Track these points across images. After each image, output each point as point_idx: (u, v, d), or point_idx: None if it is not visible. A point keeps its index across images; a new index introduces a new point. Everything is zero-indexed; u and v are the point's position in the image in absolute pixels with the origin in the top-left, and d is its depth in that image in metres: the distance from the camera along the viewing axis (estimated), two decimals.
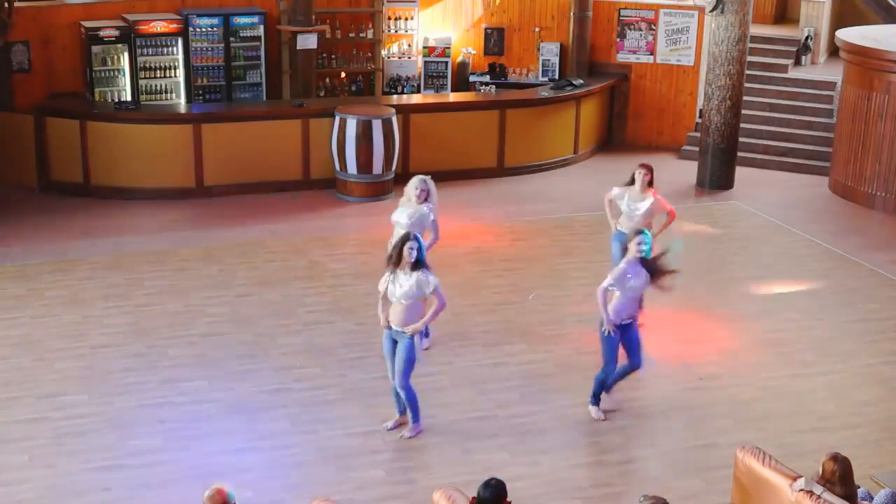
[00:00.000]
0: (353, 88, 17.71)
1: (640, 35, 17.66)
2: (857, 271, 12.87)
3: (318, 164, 15.14)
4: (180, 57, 15.97)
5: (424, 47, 18.01)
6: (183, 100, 16.11)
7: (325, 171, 15.10)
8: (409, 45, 18.13)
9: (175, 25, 15.86)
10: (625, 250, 9.67)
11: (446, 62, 18.00)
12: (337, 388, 9.74)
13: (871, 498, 7.01)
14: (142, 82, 15.81)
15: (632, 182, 10.72)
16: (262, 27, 16.45)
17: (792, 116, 17.29)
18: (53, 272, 12.12)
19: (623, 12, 17.66)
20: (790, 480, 6.92)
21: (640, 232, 9.15)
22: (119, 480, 8.25)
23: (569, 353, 10.51)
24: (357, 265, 12.66)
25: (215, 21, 16.16)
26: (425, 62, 18.02)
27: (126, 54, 15.62)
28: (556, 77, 17.65)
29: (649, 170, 10.70)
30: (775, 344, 10.91)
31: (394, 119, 14.95)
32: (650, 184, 10.68)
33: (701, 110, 16.58)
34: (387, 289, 8.66)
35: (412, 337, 8.68)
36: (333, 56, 17.56)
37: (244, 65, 16.50)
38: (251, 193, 14.87)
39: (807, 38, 18.27)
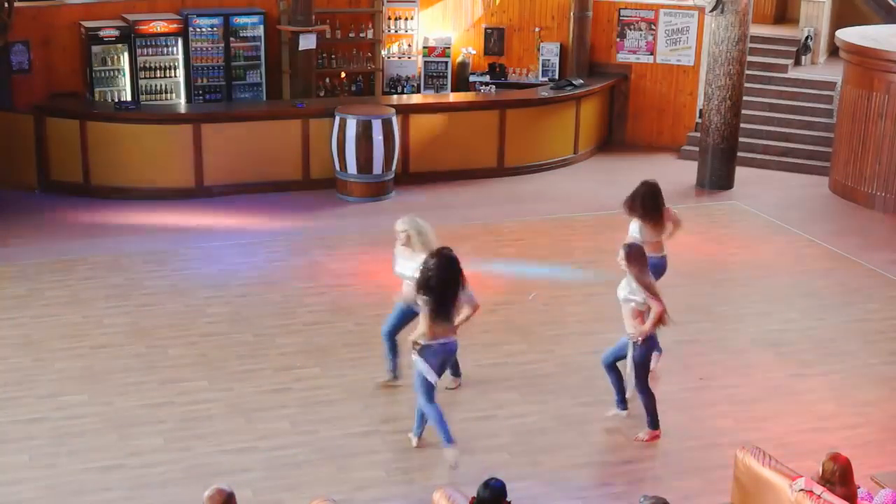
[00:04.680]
0: (353, 88, 17.71)
1: (640, 35, 17.66)
2: (857, 271, 12.88)
3: (318, 164, 15.14)
4: (180, 57, 15.98)
5: (424, 47, 18.02)
6: (183, 100, 16.11)
7: (325, 171, 15.10)
8: (409, 45, 18.13)
9: (175, 25, 15.86)
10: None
11: (446, 62, 18.00)
12: (337, 388, 9.74)
13: (871, 498, 7.01)
14: (142, 82, 15.81)
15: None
16: (262, 27, 16.45)
17: (792, 116, 17.29)
18: (53, 272, 12.12)
19: (623, 12, 17.67)
20: (790, 480, 6.92)
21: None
22: (119, 480, 8.25)
23: (569, 353, 10.51)
24: (357, 265, 12.66)
25: (215, 21, 16.16)
26: (425, 62, 18.02)
27: (126, 54, 15.63)
28: (556, 77, 17.66)
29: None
30: (775, 344, 10.91)
31: (394, 119, 14.96)
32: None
33: (701, 110, 16.58)
34: None
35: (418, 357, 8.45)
36: (333, 56, 17.57)
37: (244, 65, 16.51)
38: (251, 193, 14.87)
39: (807, 38, 18.28)
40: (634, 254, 8.74)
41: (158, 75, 15.94)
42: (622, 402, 9.23)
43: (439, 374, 8.54)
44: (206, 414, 9.25)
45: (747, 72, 16.03)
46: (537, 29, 18.05)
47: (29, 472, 8.33)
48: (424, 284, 8.27)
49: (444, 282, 8.26)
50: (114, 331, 10.75)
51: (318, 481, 8.31)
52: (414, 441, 8.81)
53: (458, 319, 8.49)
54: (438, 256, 8.33)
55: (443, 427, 8.44)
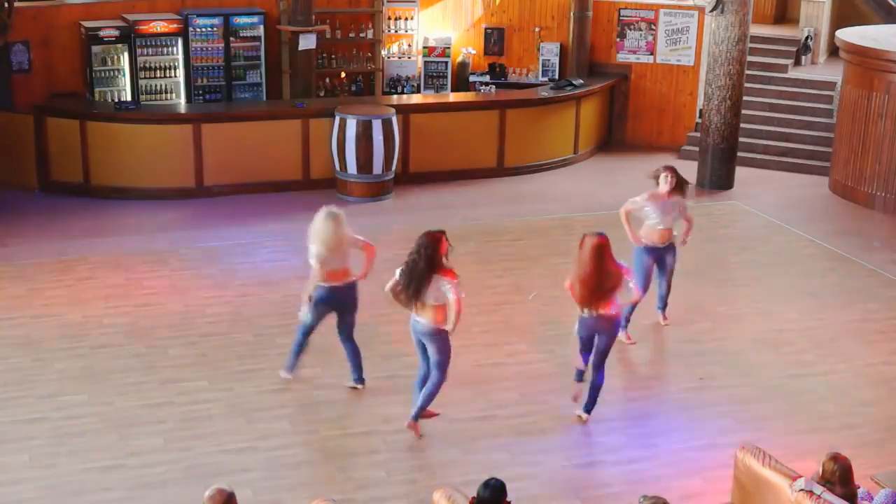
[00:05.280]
0: (353, 88, 17.71)
1: (640, 35, 17.66)
2: (857, 271, 12.88)
3: (318, 164, 15.15)
4: (180, 57, 15.98)
5: (424, 47, 18.02)
6: (183, 100, 16.11)
7: (325, 171, 15.10)
8: (409, 45, 18.13)
9: (175, 25, 15.86)
10: (658, 261, 10.58)
11: (446, 62, 18.00)
12: (336, 389, 9.74)
13: (871, 498, 7.01)
14: (142, 82, 15.81)
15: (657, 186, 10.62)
16: (262, 27, 16.45)
17: (792, 116, 17.29)
18: (53, 272, 12.12)
19: (623, 12, 17.67)
20: (790, 480, 6.92)
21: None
22: (119, 480, 8.25)
23: (569, 353, 10.47)
24: (357, 265, 12.62)
25: (215, 21, 16.16)
26: (425, 62, 18.02)
27: (126, 54, 15.63)
28: (556, 77, 17.66)
29: (674, 172, 10.56)
30: (775, 344, 10.91)
31: (394, 119, 14.96)
32: (678, 186, 10.56)
33: (701, 110, 16.58)
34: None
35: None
36: (333, 56, 17.57)
37: (244, 65, 16.51)
38: (251, 193, 14.87)
39: (807, 38, 18.28)
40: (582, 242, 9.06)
41: (158, 75, 15.94)
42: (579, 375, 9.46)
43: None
44: (206, 414, 9.25)
45: (747, 72, 16.03)
46: (537, 29, 18.05)
47: (29, 472, 8.33)
48: None
49: (411, 256, 8.66)
50: (114, 331, 10.75)
51: (318, 481, 8.32)
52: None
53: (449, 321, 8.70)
54: (421, 236, 8.70)
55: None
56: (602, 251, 8.89)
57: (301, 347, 9.69)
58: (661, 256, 10.75)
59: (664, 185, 10.55)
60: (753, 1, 15.96)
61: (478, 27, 18.23)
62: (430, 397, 8.89)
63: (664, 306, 11.12)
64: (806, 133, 17.06)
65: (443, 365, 8.79)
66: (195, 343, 10.55)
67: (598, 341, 9.10)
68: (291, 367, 9.76)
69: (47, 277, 11.99)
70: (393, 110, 15.10)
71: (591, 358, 9.18)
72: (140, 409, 9.28)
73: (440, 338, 8.70)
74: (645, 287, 10.60)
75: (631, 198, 10.70)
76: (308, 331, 9.60)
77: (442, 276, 8.55)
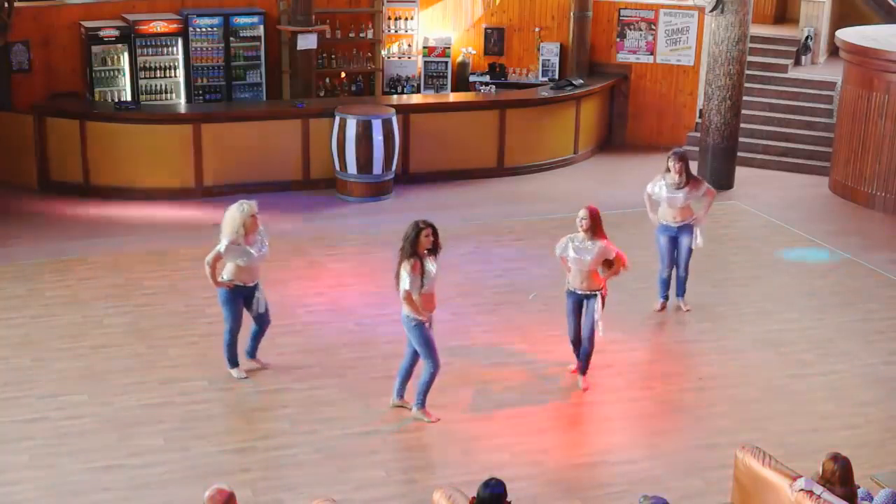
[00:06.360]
0: (353, 88, 17.71)
1: (640, 35, 17.66)
2: (857, 271, 12.88)
3: (318, 164, 15.14)
4: (180, 57, 15.98)
5: (424, 47, 18.01)
6: (183, 100, 16.11)
7: (325, 171, 15.10)
8: (409, 45, 18.13)
9: (175, 25, 15.86)
10: (671, 240, 11.14)
11: (446, 62, 18.00)
12: (337, 388, 9.74)
13: (871, 498, 7.01)
14: (142, 82, 15.81)
15: (667, 170, 11.15)
16: (262, 27, 16.45)
17: (792, 116, 17.29)
18: (53, 272, 12.12)
19: (623, 12, 17.67)
20: (790, 480, 6.93)
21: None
22: (119, 480, 8.25)
23: (569, 352, 10.48)
24: (357, 265, 12.66)
25: (215, 21, 16.16)
26: (425, 62, 18.01)
27: (126, 54, 15.63)
28: (556, 77, 17.66)
29: (680, 158, 11.09)
30: (775, 344, 10.91)
31: (394, 119, 14.96)
32: (685, 171, 11.06)
33: (701, 110, 16.58)
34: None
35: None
36: (333, 56, 17.56)
37: (244, 65, 16.50)
38: (251, 193, 14.75)
39: (807, 38, 18.28)
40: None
41: (158, 75, 15.94)
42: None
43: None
44: (206, 414, 9.25)
45: (747, 72, 16.03)
46: (537, 29, 18.04)
47: (29, 472, 8.33)
48: None
49: None
50: (114, 331, 10.76)
51: (318, 481, 8.31)
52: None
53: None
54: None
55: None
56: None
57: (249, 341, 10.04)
58: (675, 236, 11.27)
59: (672, 170, 11.10)
60: (753, 1, 15.96)
61: (478, 27, 18.23)
62: (426, 386, 9.09)
63: (683, 292, 11.53)
64: (806, 133, 17.06)
65: (426, 354, 8.97)
66: (195, 343, 10.55)
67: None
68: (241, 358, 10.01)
69: (47, 277, 11.99)
70: (393, 110, 15.10)
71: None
72: (140, 409, 9.29)
73: (411, 326, 8.86)
74: (668, 267, 11.38)
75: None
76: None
77: (405, 265, 8.73)
